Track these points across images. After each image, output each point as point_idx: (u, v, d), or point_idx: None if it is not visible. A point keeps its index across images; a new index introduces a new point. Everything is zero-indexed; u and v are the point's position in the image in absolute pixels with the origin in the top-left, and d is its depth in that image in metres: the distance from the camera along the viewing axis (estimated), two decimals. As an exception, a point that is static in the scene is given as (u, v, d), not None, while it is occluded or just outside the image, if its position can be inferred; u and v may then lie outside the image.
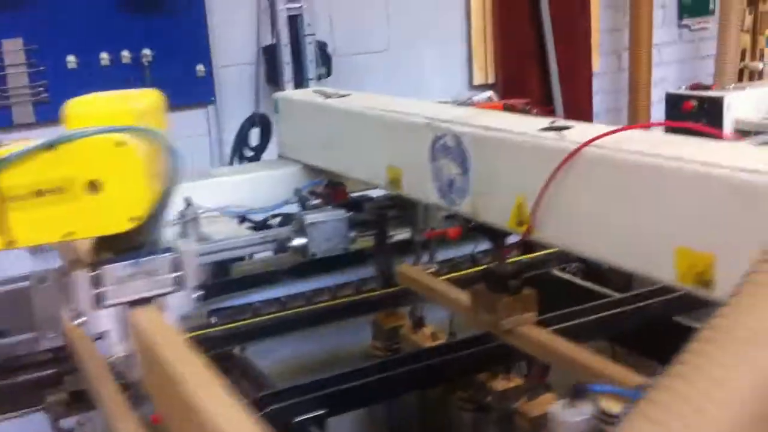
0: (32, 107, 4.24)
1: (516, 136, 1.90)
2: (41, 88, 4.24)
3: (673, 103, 4.73)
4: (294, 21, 3.23)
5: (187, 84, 4.46)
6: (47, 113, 4.18)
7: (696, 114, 4.53)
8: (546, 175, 1.74)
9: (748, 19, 6.67)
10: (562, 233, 1.77)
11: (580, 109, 5.85)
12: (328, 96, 2.88)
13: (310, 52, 3.22)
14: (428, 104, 2.55)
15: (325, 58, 4.47)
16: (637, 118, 5.99)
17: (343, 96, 2.86)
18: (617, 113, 6.23)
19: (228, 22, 4.29)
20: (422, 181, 2.24)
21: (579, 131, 1.81)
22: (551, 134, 1.82)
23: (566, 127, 1.86)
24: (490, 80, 5.61)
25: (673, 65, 6.60)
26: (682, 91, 4.76)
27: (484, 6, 5.51)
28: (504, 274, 2.10)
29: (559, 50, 5.63)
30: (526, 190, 1.82)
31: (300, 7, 3.24)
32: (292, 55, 3.15)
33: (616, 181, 1.61)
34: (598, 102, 6.17)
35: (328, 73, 4.54)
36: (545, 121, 1.98)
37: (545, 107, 5.50)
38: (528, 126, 1.94)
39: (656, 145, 1.60)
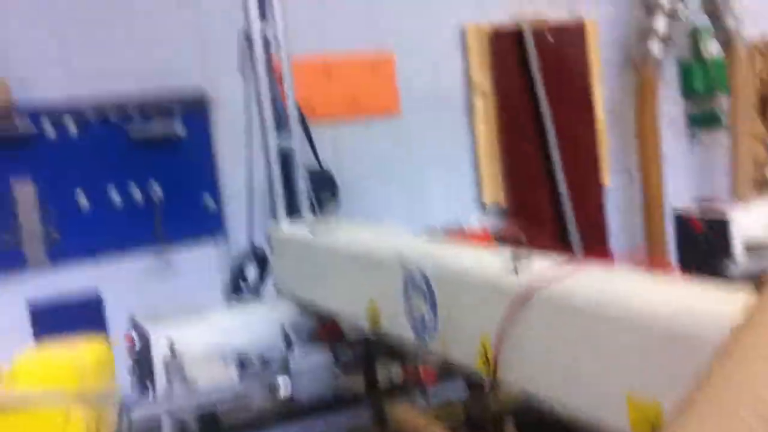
0: (44, 247, 4.32)
1: (474, 276, 1.89)
2: (52, 229, 4.34)
3: (681, 223, 4.70)
4: (287, 155, 3.30)
5: (197, 218, 4.55)
6: (59, 253, 4.27)
7: (705, 234, 4.49)
8: (503, 316, 1.72)
9: (760, 128, 6.69)
10: (523, 377, 1.74)
11: (593, 227, 5.84)
12: (317, 230, 2.92)
13: (303, 186, 3.28)
14: (406, 238, 2.56)
15: (331, 185, 4.55)
16: (652, 233, 5.96)
17: (332, 230, 2.89)
18: (633, 230, 6.20)
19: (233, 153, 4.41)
20: (398, 318, 2.23)
21: (540, 269, 1.80)
22: (508, 274, 1.81)
23: (527, 264, 1.85)
24: (500, 202, 5.63)
25: (687, 178, 6.59)
26: (689, 211, 4.74)
27: (491, 130, 5.59)
28: (479, 418, 2.05)
29: (567, 169, 5.68)
30: (489, 330, 1.80)
31: (290, 140, 3.31)
32: (284, 189, 3.21)
33: (565, 326, 1.59)
34: (614, 219, 6.16)
35: (336, 201, 4.61)
36: (507, 256, 1.97)
37: (550, 237, 5.51)
38: (491, 263, 1.93)
39: (608, 287, 1.58)
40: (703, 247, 4.41)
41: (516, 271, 1.81)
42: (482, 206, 5.64)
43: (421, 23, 5.38)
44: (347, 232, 2.78)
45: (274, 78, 3.32)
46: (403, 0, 5.33)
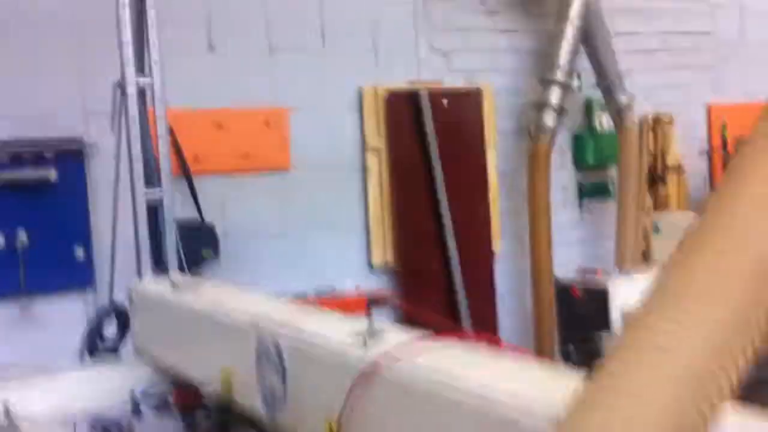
0: None
1: (323, 348, 1.79)
2: None
3: (562, 292, 4.73)
4: (152, 208, 3.15)
5: (65, 267, 4.31)
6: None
7: (584, 303, 4.52)
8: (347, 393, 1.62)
9: (649, 202, 6.86)
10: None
11: (482, 291, 5.83)
12: (178, 289, 2.76)
13: (170, 240, 3.13)
14: (267, 304, 2.44)
15: (211, 240, 4.40)
16: (539, 300, 5.98)
17: (195, 289, 2.74)
18: (522, 295, 6.22)
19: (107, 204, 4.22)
20: (250, 388, 2.10)
21: (391, 344, 1.70)
22: (358, 348, 1.71)
23: (379, 336, 1.75)
24: (389, 264, 5.56)
25: (576, 246, 6.68)
26: (571, 280, 4.78)
27: (382, 192, 5.54)
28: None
29: (459, 233, 5.66)
30: (335, 407, 1.69)
31: (160, 192, 3.17)
32: (152, 243, 3.06)
33: (407, 407, 1.49)
34: (503, 284, 6.17)
35: (216, 256, 4.46)
36: (363, 326, 1.87)
37: (438, 300, 5.46)
38: (344, 335, 1.82)
39: (453, 368, 1.48)
40: (582, 317, 4.43)
41: (365, 344, 1.71)
42: (371, 267, 5.56)
43: (319, 82, 5.34)
44: (209, 293, 2.64)
45: (148, 131, 3.19)
46: (302, 58, 5.28)
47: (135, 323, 2.99)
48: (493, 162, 6.11)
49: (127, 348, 3.18)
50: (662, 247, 4.84)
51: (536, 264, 6.10)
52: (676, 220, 5.11)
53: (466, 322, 5.64)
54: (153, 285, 2.97)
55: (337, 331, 1.89)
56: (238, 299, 2.47)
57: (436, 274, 5.63)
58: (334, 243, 5.38)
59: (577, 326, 4.47)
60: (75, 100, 4.29)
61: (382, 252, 5.56)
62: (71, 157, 4.30)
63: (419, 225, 5.61)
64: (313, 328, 1.96)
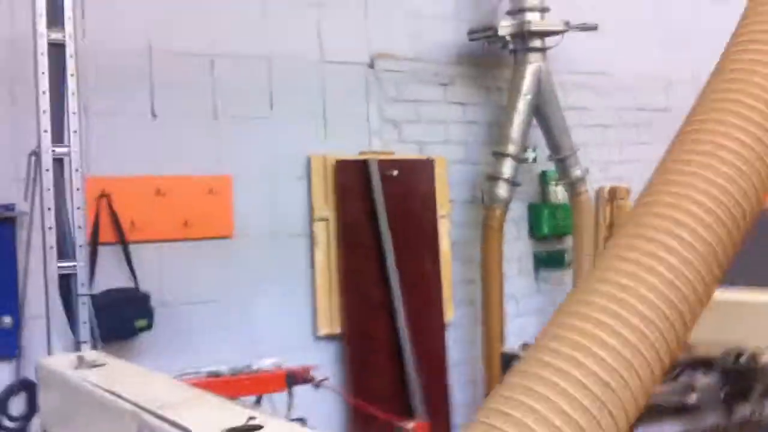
0: None
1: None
2: None
3: (506, 362, 4.66)
4: (66, 280, 3.08)
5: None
6: None
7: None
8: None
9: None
10: None
11: (432, 360, 5.74)
12: (83, 365, 2.67)
13: (83, 313, 3.04)
14: (161, 386, 2.35)
15: (145, 310, 4.31)
16: (490, 368, 5.89)
17: (100, 366, 2.65)
18: (474, 364, 6.13)
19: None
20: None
21: None
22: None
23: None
24: (336, 331, 5.47)
25: (532, 316, 6.62)
26: (516, 350, 4.70)
27: (330, 260, 5.49)
28: None
29: (408, 303, 5.59)
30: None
31: (74, 266, 3.09)
32: (66, 315, 2.97)
33: None
34: (456, 352, 6.08)
35: (149, 327, 4.36)
36: (245, 416, 1.80)
37: (387, 370, 5.35)
38: (214, 425, 1.75)
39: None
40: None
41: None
42: (316, 337, 5.47)
43: (266, 148, 5.30)
44: (109, 373, 2.55)
45: (65, 202, 3.13)
46: (249, 124, 5.26)
47: (41, 400, 2.89)
48: (446, 230, 6.08)
49: (34, 427, 3.07)
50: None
51: (488, 333, 6.04)
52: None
53: (415, 392, 5.53)
54: (58, 361, 2.88)
55: (210, 425, 1.81)
56: (133, 381, 2.39)
57: (385, 343, 5.54)
58: (278, 312, 5.30)
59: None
60: (6, 167, 4.22)
61: (329, 321, 5.48)
62: (0, 224, 4.21)
63: (368, 293, 5.55)
64: (188, 420, 1.88)
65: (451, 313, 6.07)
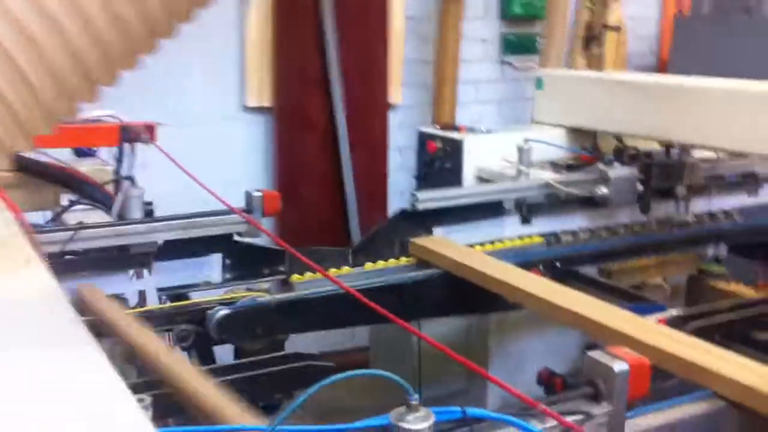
0: None
1: None
2: None
3: (422, 142, 4.35)
4: None
5: None
6: None
7: (441, 156, 4.14)
8: None
9: (581, 62, 6.34)
10: None
11: (370, 141, 5.42)
12: None
13: None
14: None
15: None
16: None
17: None
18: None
19: None
20: None
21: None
22: None
23: None
24: (266, 103, 5.13)
25: (493, 104, 6.21)
26: (432, 130, 4.37)
27: (264, 26, 5.03)
28: None
29: (349, 79, 5.18)
30: None
31: None
32: None
33: None
34: (404, 136, 5.74)
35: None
36: None
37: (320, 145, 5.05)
38: None
39: None
40: (437, 169, 4.10)
41: None
42: (245, 108, 5.14)
43: None
44: None
45: None
46: None
47: None
48: (400, 6, 5.56)
49: None
50: (544, 104, 4.38)
51: (437, 119, 5.67)
52: (559, 75, 4.62)
53: (349, 177, 5.26)
54: None
55: None
56: None
57: (319, 122, 5.20)
58: (201, 80, 4.94)
59: (433, 178, 4.13)
60: None
61: (258, 92, 5.12)
62: None
63: (303, 65, 5.12)
64: None
65: (399, 96, 5.67)
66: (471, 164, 3.93)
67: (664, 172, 3.67)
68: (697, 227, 3.77)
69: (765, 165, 3.87)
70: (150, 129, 2.78)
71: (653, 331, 2.18)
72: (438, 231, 3.20)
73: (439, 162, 4.07)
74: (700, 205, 3.81)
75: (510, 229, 3.36)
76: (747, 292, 3.48)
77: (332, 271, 2.84)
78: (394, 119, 5.65)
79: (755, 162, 3.85)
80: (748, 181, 3.98)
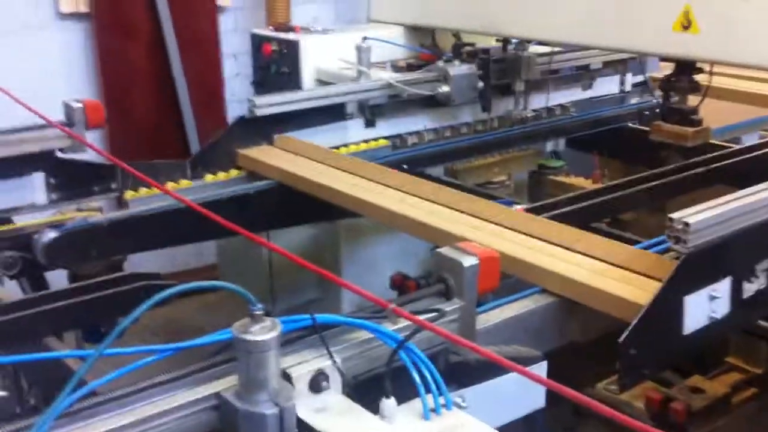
0: None
1: None
2: None
3: (257, 45, 4.15)
4: None
5: None
6: None
7: (276, 59, 3.97)
8: None
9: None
10: None
11: (205, 45, 5.13)
12: None
13: None
14: None
15: None
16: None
17: None
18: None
19: None
20: None
21: None
22: None
23: None
24: (83, 9, 4.72)
25: (329, 2, 5.99)
26: (266, 32, 4.18)
27: None
28: None
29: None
30: None
31: None
32: None
33: None
34: (239, 41, 5.42)
35: None
36: None
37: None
38: None
39: None
40: (275, 73, 3.93)
41: None
42: (60, 15, 4.72)
43: None
44: None
45: None
46: None
47: None
48: None
49: None
50: (380, 1, 4.24)
51: (272, 20, 5.42)
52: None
53: (182, 87, 4.98)
54: None
55: None
56: None
57: (143, 29, 4.86)
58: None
59: (269, 81, 3.95)
60: None
61: (74, -4, 4.70)
62: None
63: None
64: None
65: (229, -8, 5.37)
66: (309, 66, 3.78)
67: (501, 67, 3.68)
68: (535, 123, 3.82)
69: (598, 58, 3.94)
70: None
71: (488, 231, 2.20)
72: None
73: (276, 66, 3.89)
74: (537, 101, 3.86)
75: (354, 133, 3.28)
76: (585, 183, 3.59)
77: (170, 185, 2.69)
78: (226, 23, 5.35)
79: (588, 55, 3.92)
80: (582, 75, 4.06)
